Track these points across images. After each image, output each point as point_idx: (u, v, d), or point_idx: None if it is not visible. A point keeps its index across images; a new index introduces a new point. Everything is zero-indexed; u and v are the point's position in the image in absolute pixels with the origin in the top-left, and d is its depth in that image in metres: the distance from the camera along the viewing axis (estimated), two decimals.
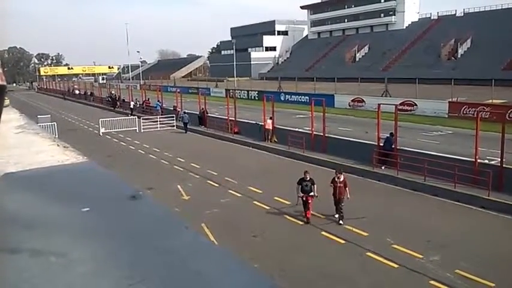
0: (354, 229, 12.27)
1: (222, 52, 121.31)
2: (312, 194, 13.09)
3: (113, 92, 56.69)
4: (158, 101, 40.30)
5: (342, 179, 13.10)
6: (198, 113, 33.16)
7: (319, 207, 13.60)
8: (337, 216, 13.00)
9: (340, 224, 12.70)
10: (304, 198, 13.13)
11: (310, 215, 13.10)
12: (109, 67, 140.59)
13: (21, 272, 0.93)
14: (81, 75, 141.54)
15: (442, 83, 45.52)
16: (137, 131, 32.49)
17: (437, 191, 15.23)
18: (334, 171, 13.63)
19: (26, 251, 1.00)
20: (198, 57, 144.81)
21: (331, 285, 9.75)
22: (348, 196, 13.06)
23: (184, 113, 32.68)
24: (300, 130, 25.72)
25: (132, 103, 42.93)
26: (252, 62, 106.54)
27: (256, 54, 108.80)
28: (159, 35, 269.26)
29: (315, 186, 13.23)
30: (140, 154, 24.86)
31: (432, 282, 9.41)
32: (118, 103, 48.73)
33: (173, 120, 34.13)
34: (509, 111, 27.46)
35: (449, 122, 29.39)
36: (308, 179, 13.21)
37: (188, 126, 31.77)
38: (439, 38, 70.21)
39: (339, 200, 12.94)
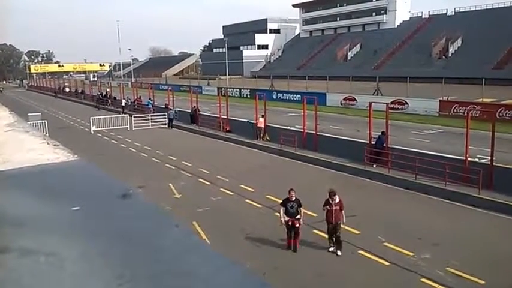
0: (345, 227, 12.27)
1: (214, 50, 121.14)
2: (298, 217, 11.11)
3: (102, 89, 56.38)
4: (150, 98, 40.14)
5: (337, 201, 11.00)
6: (190, 111, 33.14)
7: (310, 205, 13.63)
8: (332, 249, 11.04)
9: (339, 255, 10.87)
10: (290, 223, 11.09)
11: (298, 244, 11.17)
12: (100, 65, 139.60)
13: (10, 271, 0.92)
14: (71, 73, 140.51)
15: (433, 82, 45.87)
16: (129, 129, 32.36)
17: (428, 189, 15.32)
18: (328, 192, 11.19)
19: (15, 251, 0.99)
20: (190, 55, 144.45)
21: (322, 283, 9.78)
22: (344, 221, 11.14)
23: (169, 109, 33.07)
24: (292, 128, 25.76)
25: (123, 101, 42.76)
26: (244, 60, 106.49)
27: (248, 53, 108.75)
28: (151, 32, 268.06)
29: (302, 209, 11.23)
30: (131, 152, 24.74)
31: (423, 280, 9.47)
32: (109, 101, 48.51)
33: (165, 118, 34.05)
34: (499, 110, 27.76)
35: (440, 121, 29.59)
36: (294, 199, 11.17)
37: (181, 124, 31.90)
38: (430, 37, 70.66)
39: (335, 227, 10.91)
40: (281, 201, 11.55)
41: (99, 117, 33.48)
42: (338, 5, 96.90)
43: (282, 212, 11.19)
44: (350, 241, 11.51)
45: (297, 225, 11.06)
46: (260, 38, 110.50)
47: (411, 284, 9.52)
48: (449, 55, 68.25)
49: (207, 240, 10.83)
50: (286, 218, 11.10)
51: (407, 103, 34.58)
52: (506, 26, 61.72)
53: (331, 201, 10.98)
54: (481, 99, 32.07)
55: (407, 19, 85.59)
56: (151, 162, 21.80)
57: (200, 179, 18.15)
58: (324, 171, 18.91)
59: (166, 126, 33.11)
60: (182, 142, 27.40)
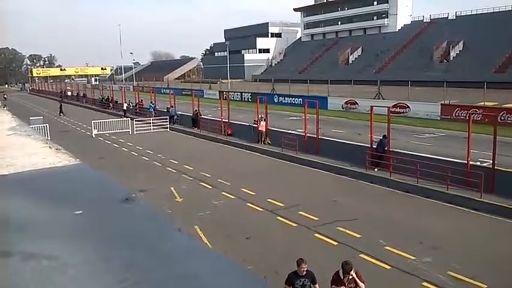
0: (346, 231, 12.28)
1: (216, 54, 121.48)
2: None
3: (103, 93, 56.43)
4: (151, 102, 40.21)
5: (352, 276, 7.56)
6: (191, 114, 33.20)
7: (311, 209, 13.61)
8: None
9: None
10: None
11: None
12: (102, 68, 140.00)
13: (13, 275, 0.93)
14: (73, 77, 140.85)
15: (435, 86, 45.91)
16: (130, 132, 32.37)
17: (429, 192, 15.29)
18: (341, 266, 7.64)
19: (18, 254, 0.99)
20: (192, 58, 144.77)
21: (324, 287, 9.74)
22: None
23: (171, 107, 36.51)
24: (293, 132, 25.73)
25: (125, 105, 42.80)
26: (245, 64, 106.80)
27: (249, 56, 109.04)
28: (152, 36, 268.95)
29: (317, 286, 7.73)
30: (133, 156, 24.74)
31: (424, 283, 9.44)
32: (111, 104, 48.63)
33: (166, 122, 34.09)
34: (501, 114, 27.71)
35: (441, 124, 29.55)
36: (304, 273, 7.56)
37: (182, 128, 32.24)
38: (431, 41, 70.73)
39: None
40: (286, 276, 7.74)
41: (101, 121, 33.53)
42: (339, 9, 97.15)
43: None
44: (351, 245, 11.49)
45: None
46: (261, 42, 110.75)
47: (412, 287, 9.48)
48: (451, 59, 68.26)
49: (208, 244, 10.82)
50: None
51: (408, 107, 34.57)
52: (507, 30, 61.75)
53: (342, 278, 7.52)
54: (482, 103, 32.03)
55: (408, 23, 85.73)
56: (153, 166, 21.80)
57: (201, 183, 18.14)
58: (326, 174, 18.89)
59: (168, 124, 33.76)
60: (184, 146, 27.42)
